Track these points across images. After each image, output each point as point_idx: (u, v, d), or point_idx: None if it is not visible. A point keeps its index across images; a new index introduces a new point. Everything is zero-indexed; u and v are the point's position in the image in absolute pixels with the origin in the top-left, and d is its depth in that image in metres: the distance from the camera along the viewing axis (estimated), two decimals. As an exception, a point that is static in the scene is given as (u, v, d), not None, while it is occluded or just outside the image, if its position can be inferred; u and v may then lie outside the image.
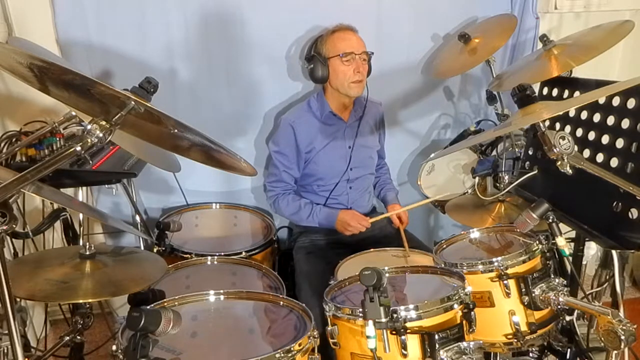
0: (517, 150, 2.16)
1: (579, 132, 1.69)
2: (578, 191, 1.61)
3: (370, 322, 1.19)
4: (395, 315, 1.21)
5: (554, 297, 1.43)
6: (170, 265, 1.72)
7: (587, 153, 1.63)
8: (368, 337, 1.19)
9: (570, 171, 1.27)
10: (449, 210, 2.16)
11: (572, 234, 1.88)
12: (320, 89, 2.20)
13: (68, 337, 1.54)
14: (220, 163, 1.30)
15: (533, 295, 1.45)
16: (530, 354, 1.76)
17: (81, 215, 1.95)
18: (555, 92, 1.86)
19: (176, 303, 1.40)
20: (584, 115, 1.68)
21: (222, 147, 1.16)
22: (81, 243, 1.87)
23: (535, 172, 1.84)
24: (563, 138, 1.26)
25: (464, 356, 1.24)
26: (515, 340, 1.46)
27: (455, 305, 1.31)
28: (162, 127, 1.12)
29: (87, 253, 1.34)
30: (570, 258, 1.87)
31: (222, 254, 1.88)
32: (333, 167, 2.18)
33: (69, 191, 1.96)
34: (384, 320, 1.20)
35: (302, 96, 2.40)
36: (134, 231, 1.98)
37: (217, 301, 1.44)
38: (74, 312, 1.63)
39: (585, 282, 2.16)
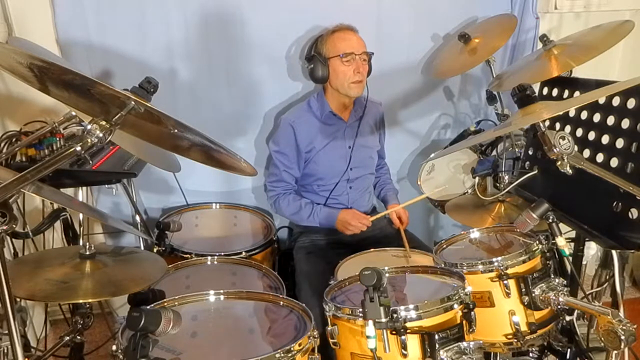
0: (517, 150, 2.16)
1: (579, 132, 1.69)
2: (578, 191, 1.61)
3: (370, 322, 1.19)
4: (395, 315, 1.21)
5: (554, 297, 1.43)
6: (170, 265, 1.72)
7: (587, 153, 1.63)
8: (368, 337, 1.19)
9: (570, 171, 1.27)
10: (449, 210, 2.16)
11: (572, 234, 1.88)
12: (321, 89, 2.20)
13: (68, 337, 1.54)
14: (220, 163, 1.30)
15: (533, 295, 1.45)
16: (530, 354, 1.76)
17: (81, 215, 1.95)
18: (555, 92, 1.86)
19: (176, 303, 1.40)
20: (584, 115, 1.68)
21: (222, 147, 1.16)
22: (81, 243, 1.87)
23: (535, 172, 1.84)
24: (563, 138, 1.26)
25: (464, 356, 1.24)
26: (515, 340, 1.46)
27: (455, 305, 1.31)
28: (162, 127, 1.12)
29: (87, 253, 1.34)
30: (570, 258, 1.87)
31: (222, 254, 1.88)
32: (333, 167, 2.18)
33: (69, 191, 1.96)
34: (384, 320, 1.20)
35: (302, 96, 2.40)
36: (134, 231, 1.98)
37: (217, 301, 1.44)
38: (74, 312, 1.63)
39: (585, 282, 2.16)
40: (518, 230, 1.53)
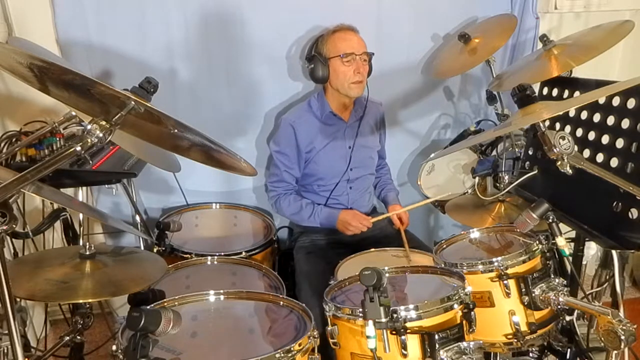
0: (517, 150, 2.16)
1: (579, 132, 1.69)
2: (578, 191, 1.61)
3: (370, 322, 1.19)
4: (395, 315, 1.21)
5: (554, 297, 1.43)
6: (170, 265, 1.72)
7: (587, 153, 1.63)
8: (368, 337, 1.19)
9: (570, 171, 1.27)
10: (449, 210, 2.16)
11: (572, 234, 1.88)
12: (321, 89, 2.20)
13: (68, 337, 1.54)
14: (220, 163, 1.30)
15: (533, 295, 1.45)
16: (530, 354, 1.76)
17: (81, 215, 1.95)
18: (555, 92, 1.86)
19: (176, 303, 1.40)
20: (584, 115, 1.68)
21: (222, 147, 1.16)
22: (81, 243, 1.87)
23: (535, 172, 1.84)
24: (563, 138, 1.26)
25: (464, 356, 1.24)
26: (515, 340, 1.46)
27: (455, 305, 1.31)
28: (162, 127, 1.12)
29: (87, 253, 1.34)
30: (570, 258, 1.87)
31: (222, 254, 1.88)
32: (333, 167, 2.18)
33: (69, 191, 1.96)
34: (384, 320, 1.20)
35: (302, 96, 2.40)
36: (134, 231, 1.98)
37: (217, 301, 1.44)
38: (74, 312, 1.63)
39: (585, 282, 2.16)
40: (518, 230, 1.53)
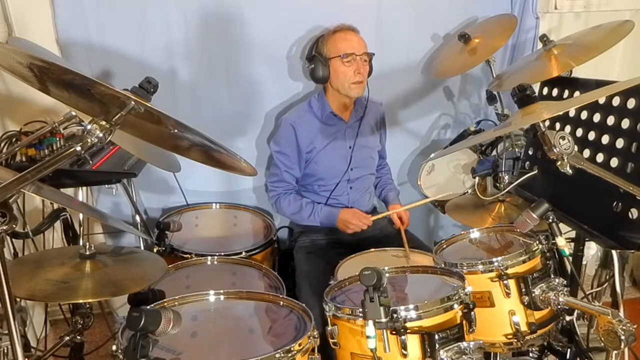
0: (517, 150, 2.16)
1: (579, 132, 1.69)
2: (578, 191, 1.61)
3: (370, 322, 1.19)
4: (395, 315, 1.21)
5: (554, 297, 1.43)
6: (170, 265, 1.72)
7: (587, 153, 1.62)
8: (368, 337, 1.19)
9: (570, 171, 1.27)
10: (449, 210, 2.16)
11: (572, 234, 1.88)
12: (321, 89, 2.20)
13: (68, 337, 1.54)
14: (220, 163, 1.30)
15: (533, 295, 1.45)
16: (530, 354, 1.76)
17: (81, 215, 1.95)
18: (555, 92, 1.86)
19: (176, 303, 1.40)
20: (584, 115, 1.68)
21: (222, 147, 1.16)
22: (81, 243, 1.87)
23: (535, 172, 1.84)
24: (563, 138, 1.26)
25: (464, 356, 1.24)
26: (515, 340, 1.46)
27: (455, 305, 1.31)
28: (162, 127, 1.12)
29: (87, 253, 1.34)
30: (570, 258, 1.87)
31: (222, 254, 1.88)
32: (333, 167, 2.18)
33: (69, 191, 1.96)
34: (384, 320, 1.20)
35: (302, 96, 2.40)
36: (134, 231, 1.98)
37: (217, 301, 1.44)
38: (74, 312, 1.63)
39: (585, 282, 2.16)
40: (518, 230, 1.53)
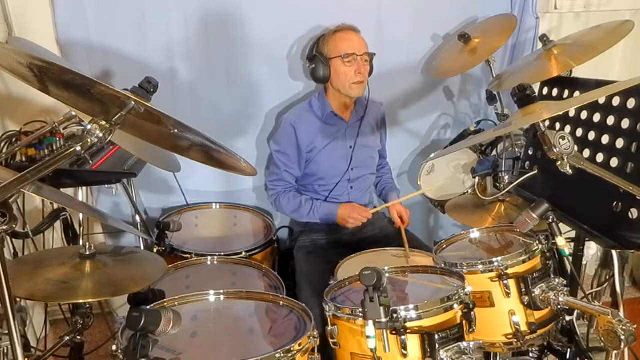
0: (517, 150, 2.16)
1: (579, 132, 1.69)
2: (578, 191, 1.61)
3: (370, 322, 1.19)
4: (395, 315, 1.21)
5: (554, 297, 1.43)
6: (170, 265, 1.72)
7: (587, 153, 1.62)
8: (368, 337, 1.19)
9: (570, 171, 1.26)
10: (449, 210, 2.16)
11: (572, 234, 1.88)
12: (322, 88, 2.20)
13: (68, 337, 1.53)
14: (220, 163, 1.30)
15: (533, 295, 1.45)
16: (530, 354, 1.76)
17: (81, 215, 1.95)
18: (555, 92, 1.86)
19: (176, 303, 1.40)
20: (584, 115, 1.68)
21: (222, 147, 1.16)
22: (81, 243, 1.87)
23: (535, 172, 1.84)
24: (563, 138, 1.26)
25: (464, 356, 1.24)
26: (515, 340, 1.46)
27: (455, 305, 1.31)
28: (162, 127, 1.12)
29: (87, 253, 1.34)
30: (570, 258, 1.87)
31: (222, 254, 1.88)
32: (334, 167, 2.18)
33: (69, 191, 1.96)
34: (384, 320, 1.20)
35: (303, 96, 2.40)
36: (134, 231, 1.98)
37: (217, 301, 1.44)
38: (74, 312, 1.63)
39: (585, 282, 2.16)
40: (518, 230, 1.53)
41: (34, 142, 1.75)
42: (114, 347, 1.19)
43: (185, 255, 1.89)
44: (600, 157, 1.58)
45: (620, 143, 1.51)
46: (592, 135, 1.63)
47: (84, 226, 2.02)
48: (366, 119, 2.22)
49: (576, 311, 1.58)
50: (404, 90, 2.52)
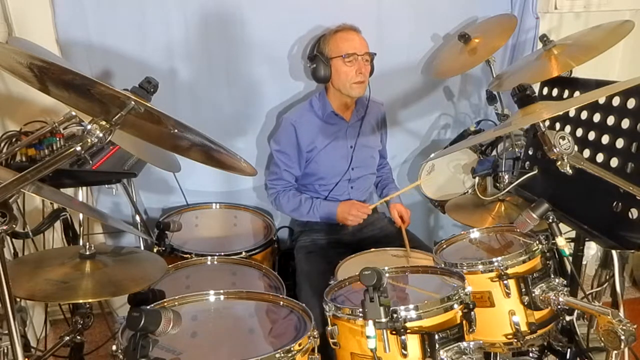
0: (517, 150, 2.16)
1: (579, 132, 1.69)
2: (578, 191, 1.61)
3: (370, 322, 1.19)
4: (395, 315, 1.21)
5: (554, 297, 1.42)
6: (170, 265, 1.72)
7: (587, 153, 1.62)
8: (368, 337, 1.19)
9: (570, 171, 1.26)
10: (449, 210, 2.16)
11: (572, 234, 1.88)
12: (323, 88, 2.20)
13: (68, 337, 1.53)
14: (220, 163, 1.30)
15: (533, 295, 1.45)
16: (530, 354, 1.76)
17: (81, 215, 1.95)
18: (555, 92, 1.86)
19: (176, 303, 1.40)
20: (584, 115, 1.68)
21: (222, 147, 1.16)
22: (81, 243, 1.87)
23: (535, 172, 1.84)
24: (563, 138, 1.26)
25: (464, 356, 1.24)
26: (515, 340, 1.46)
27: (455, 305, 1.31)
28: (162, 127, 1.12)
29: (87, 253, 1.34)
30: (570, 258, 1.87)
31: (222, 254, 1.88)
32: (334, 167, 2.18)
33: (69, 191, 1.96)
34: (384, 320, 1.20)
35: (304, 96, 2.40)
36: (134, 231, 1.98)
37: (217, 301, 1.44)
38: (74, 312, 1.63)
39: (585, 282, 2.16)
40: (518, 230, 1.53)
41: (34, 142, 1.75)
42: (114, 347, 1.19)
43: (185, 255, 1.89)
44: (600, 157, 1.58)
45: (620, 143, 1.51)
46: (592, 135, 1.63)
47: (84, 226, 2.02)
48: (367, 119, 2.22)
49: (576, 311, 1.58)
50: (404, 90, 2.52)
